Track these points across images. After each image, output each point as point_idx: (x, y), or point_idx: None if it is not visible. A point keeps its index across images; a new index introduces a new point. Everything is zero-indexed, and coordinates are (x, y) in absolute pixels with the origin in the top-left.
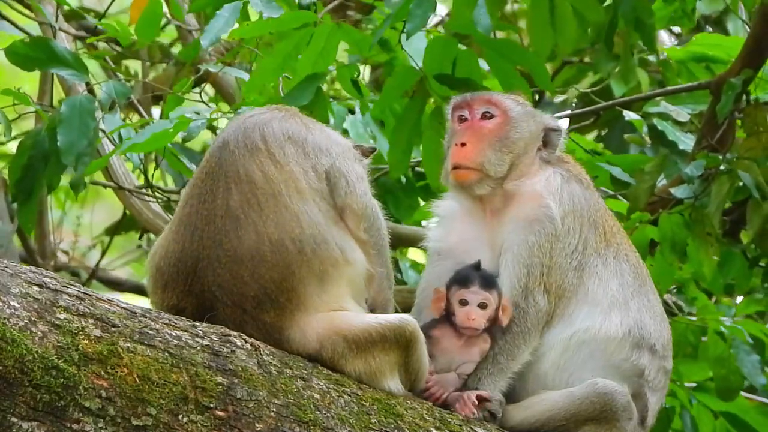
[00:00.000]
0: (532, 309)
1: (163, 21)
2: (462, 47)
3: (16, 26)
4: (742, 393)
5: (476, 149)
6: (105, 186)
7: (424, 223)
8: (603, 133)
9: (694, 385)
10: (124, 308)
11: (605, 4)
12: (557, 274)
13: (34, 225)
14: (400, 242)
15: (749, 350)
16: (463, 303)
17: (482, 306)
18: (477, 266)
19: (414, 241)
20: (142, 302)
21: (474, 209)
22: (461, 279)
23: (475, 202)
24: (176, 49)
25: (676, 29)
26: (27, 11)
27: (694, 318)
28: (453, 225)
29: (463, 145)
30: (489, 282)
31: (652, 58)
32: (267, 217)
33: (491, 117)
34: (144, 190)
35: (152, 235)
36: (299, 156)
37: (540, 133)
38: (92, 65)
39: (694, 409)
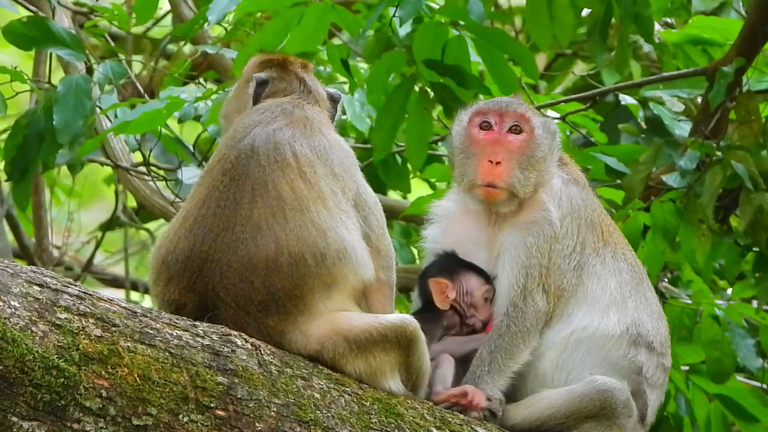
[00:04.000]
0: (531, 309)
1: (161, 12)
2: (455, 32)
3: (18, 1)
4: (738, 377)
5: (508, 168)
6: (102, 164)
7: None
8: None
9: (687, 368)
10: (124, 308)
11: None
12: (556, 275)
13: (28, 203)
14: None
15: (744, 334)
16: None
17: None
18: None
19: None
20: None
21: (480, 213)
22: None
23: (484, 206)
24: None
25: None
26: None
27: (689, 301)
28: (450, 226)
29: (497, 163)
30: (487, 276)
31: (646, 48)
32: (290, 231)
33: (519, 132)
34: (142, 168)
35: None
36: (328, 177)
37: (555, 144)
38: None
39: (689, 392)
